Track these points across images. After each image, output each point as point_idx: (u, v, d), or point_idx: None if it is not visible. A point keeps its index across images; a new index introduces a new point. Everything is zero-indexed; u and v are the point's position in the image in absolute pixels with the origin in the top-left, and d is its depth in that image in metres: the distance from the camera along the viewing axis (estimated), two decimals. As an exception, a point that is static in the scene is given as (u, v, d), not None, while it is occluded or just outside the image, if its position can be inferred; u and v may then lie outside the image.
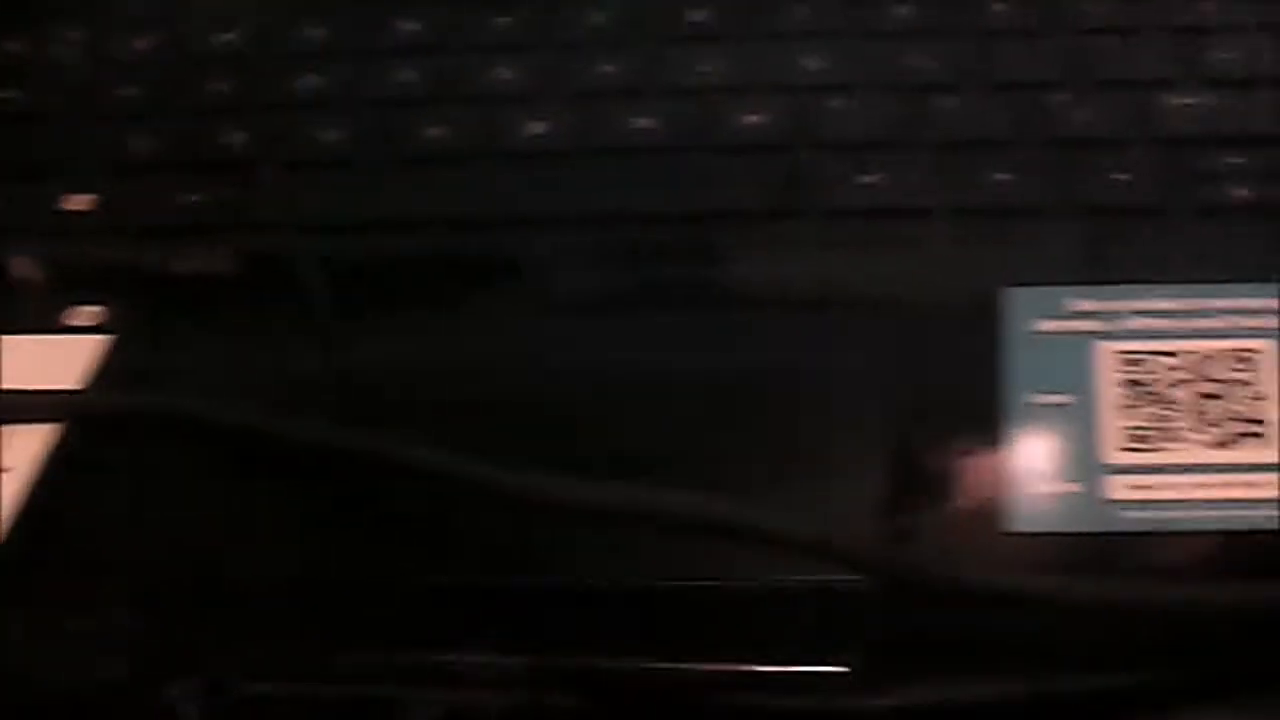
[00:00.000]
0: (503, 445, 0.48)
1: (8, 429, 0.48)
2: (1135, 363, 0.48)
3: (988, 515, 0.46)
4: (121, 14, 0.62)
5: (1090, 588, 0.43)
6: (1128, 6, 0.58)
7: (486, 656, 0.44)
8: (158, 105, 0.59)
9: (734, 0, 0.59)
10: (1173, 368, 0.48)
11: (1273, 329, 0.49)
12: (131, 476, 0.48)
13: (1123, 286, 0.50)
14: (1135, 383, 0.48)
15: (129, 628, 0.46)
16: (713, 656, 0.45)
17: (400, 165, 0.58)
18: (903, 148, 0.55)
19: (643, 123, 0.57)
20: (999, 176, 0.53)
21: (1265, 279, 0.50)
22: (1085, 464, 0.46)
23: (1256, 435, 0.47)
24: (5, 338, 0.51)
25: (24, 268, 0.54)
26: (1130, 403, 0.47)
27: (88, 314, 0.53)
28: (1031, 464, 0.47)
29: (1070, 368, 0.48)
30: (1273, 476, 0.46)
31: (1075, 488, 0.46)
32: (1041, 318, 0.50)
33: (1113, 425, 0.47)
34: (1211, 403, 0.47)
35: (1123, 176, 0.53)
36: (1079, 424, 0.47)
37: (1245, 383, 0.47)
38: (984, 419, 0.48)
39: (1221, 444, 0.46)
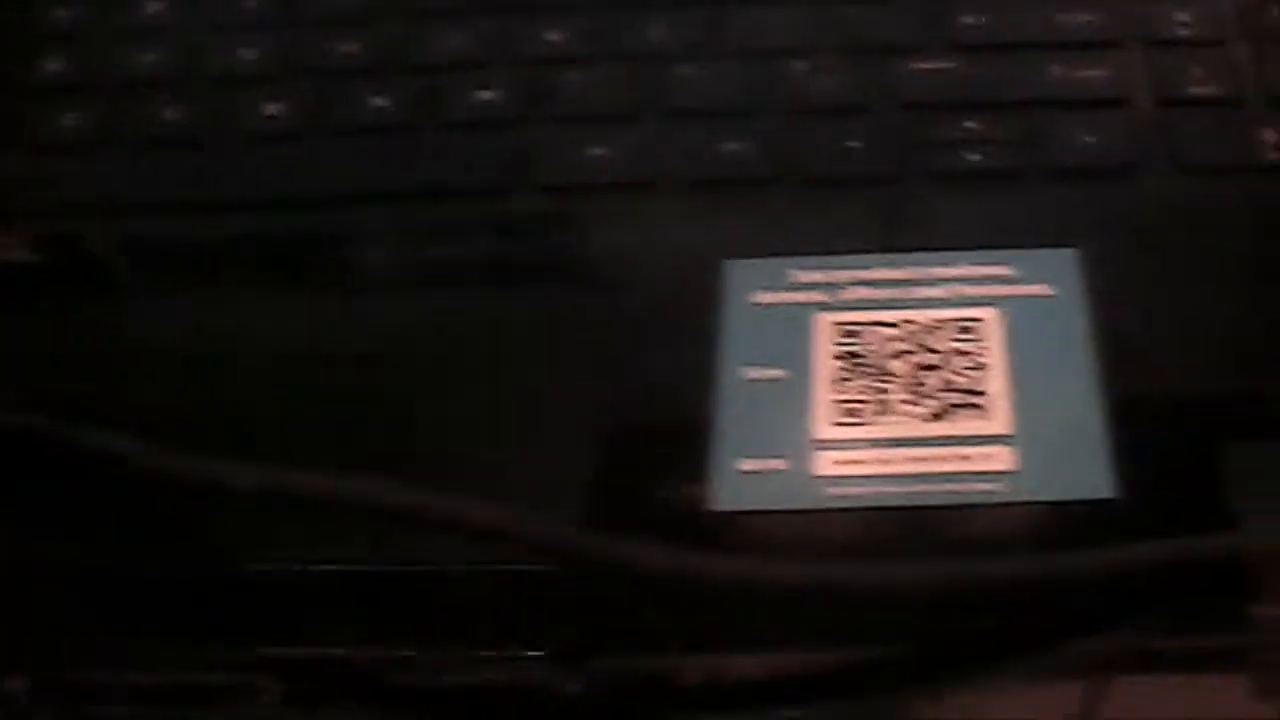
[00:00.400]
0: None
1: None
2: (853, 334, 0.46)
3: (692, 494, 0.43)
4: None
5: (779, 568, 0.40)
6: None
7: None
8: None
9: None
10: (891, 339, 0.46)
11: (998, 297, 0.46)
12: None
13: (846, 256, 0.48)
14: (852, 355, 0.45)
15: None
16: (409, 641, 0.42)
17: (143, 148, 0.56)
18: (636, 119, 0.51)
19: (378, 101, 0.53)
20: (731, 146, 0.50)
21: (995, 246, 0.47)
22: (795, 439, 0.44)
23: (975, 407, 0.44)
24: None
25: None
26: (846, 376, 0.45)
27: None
28: (739, 440, 0.44)
29: (788, 341, 0.46)
30: (990, 449, 0.43)
31: (782, 464, 0.43)
32: (762, 290, 0.47)
33: (826, 399, 0.45)
34: (930, 374, 0.45)
35: (855, 144, 0.49)
36: (792, 398, 0.45)
37: (966, 353, 0.45)
38: (696, 395, 0.45)
39: (937, 416, 0.44)
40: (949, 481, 0.43)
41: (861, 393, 0.45)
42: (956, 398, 0.45)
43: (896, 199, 0.50)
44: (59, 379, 0.48)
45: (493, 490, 0.44)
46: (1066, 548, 0.42)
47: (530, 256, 0.50)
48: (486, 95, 0.53)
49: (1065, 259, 0.47)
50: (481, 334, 0.48)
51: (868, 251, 0.48)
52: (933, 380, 0.45)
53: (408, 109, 0.54)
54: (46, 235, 0.52)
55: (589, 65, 0.54)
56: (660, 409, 0.46)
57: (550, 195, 0.52)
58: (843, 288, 0.47)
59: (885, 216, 0.49)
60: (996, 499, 0.43)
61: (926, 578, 0.41)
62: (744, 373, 0.46)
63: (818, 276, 0.48)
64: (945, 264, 0.48)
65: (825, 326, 0.46)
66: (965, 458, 0.44)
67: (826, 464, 0.44)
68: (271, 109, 0.54)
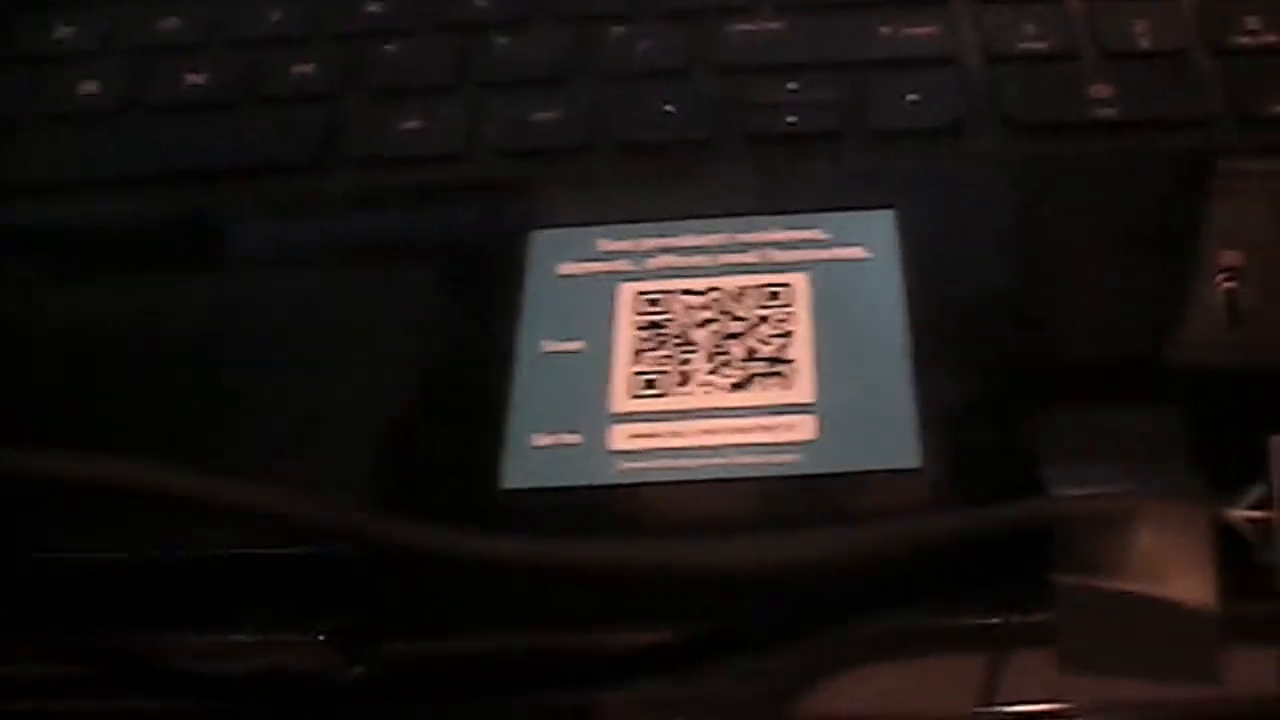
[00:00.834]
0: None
1: None
2: (657, 304, 0.44)
3: (484, 471, 0.40)
4: None
5: (553, 547, 0.38)
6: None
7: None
8: None
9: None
10: (696, 307, 0.43)
11: (809, 262, 0.44)
12: None
13: (655, 224, 0.45)
14: (655, 325, 0.43)
15: None
16: (186, 627, 0.41)
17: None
18: (452, 91, 0.49)
19: (194, 78, 0.51)
20: (546, 115, 0.48)
21: (812, 210, 0.44)
22: (591, 413, 0.42)
23: (779, 375, 0.42)
24: None
25: None
26: (647, 346, 0.43)
27: None
28: (534, 415, 0.41)
29: (590, 312, 0.44)
30: (792, 419, 0.41)
31: (576, 439, 0.41)
32: (567, 260, 0.45)
33: (625, 371, 0.42)
34: (734, 343, 0.42)
35: (671, 109, 0.47)
36: (591, 371, 0.43)
37: (772, 320, 0.42)
38: (495, 370, 0.42)
39: (739, 386, 0.41)
40: (748, 453, 0.41)
41: (662, 363, 0.43)
42: (760, 367, 0.42)
43: (712, 164, 0.47)
44: None
45: (285, 472, 0.42)
46: (867, 519, 0.39)
47: (339, 233, 0.48)
48: (303, 69, 0.50)
49: (881, 221, 0.45)
50: (283, 313, 0.45)
51: (681, 219, 0.45)
52: (737, 349, 0.43)
53: (224, 85, 0.51)
54: None
55: (409, 37, 0.51)
56: (459, 385, 0.44)
57: (363, 169, 0.48)
58: (650, 256, 0.45)
59: (699, 182, 0.47)
60: (795, 470, 0.40)
61: (708, 556, 0.38)
62: (543, 345, 0.43)
63: (624, 245, 0.45)
64: (756, 229, 0.45)
65: (629, 296, 0.44)
66: (766, 428, 0.41)
67: (621, 438, 0.42)
68: (87, 87, 0.52)
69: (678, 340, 0.43)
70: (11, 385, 0.45)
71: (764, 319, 0.43)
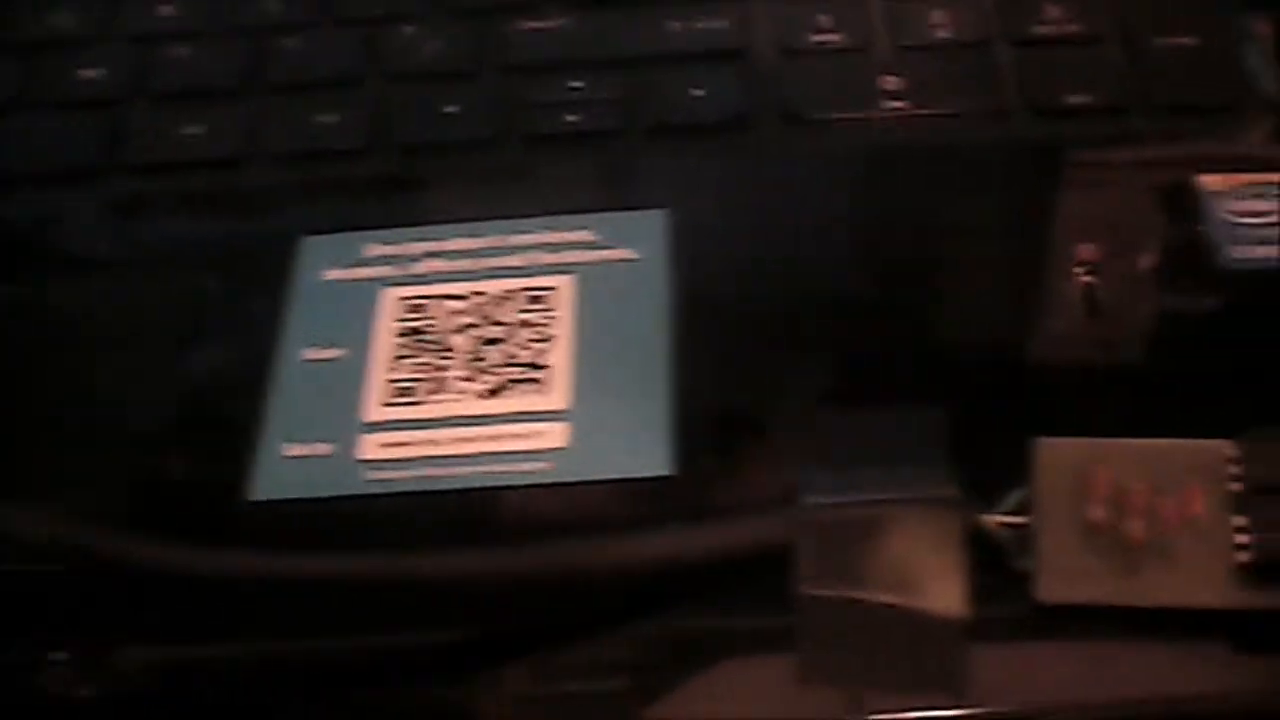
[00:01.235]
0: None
1: None
2: (418, 310, 0.42)
3: (234, 483, 0.38)
4: None
5: (284, 561, 0.36)
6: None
7: None
8: None
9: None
10: (457, 312, 0.42)
11: (576, 264, 0.42)
12: None
13: (424, 228, 0.43)
14: (415, 331, 0.41)
15: None
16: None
17: None
18: (237, 95, 0.47)
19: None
20: (329, 118, 0.46)
21: (586, 210, 0.43)
22: (343, 422, 0.40)
23: (535, 381, 0.40)
24: None
25: None
26: (405, 353, 0.41)
27: None
28: (287, 425, 0.39)
29: (352, 319, 0.42)
30: (543, 426, 0.39)
31: (327, 449, 0.39)
32: (333, 266, 0.43)
33: (381, 379, 0.40)
34: (492, 348, 0.41)
35: (453, 109, 0.45)
36: (347, 379, 0.41)
37: (533, 324, 0.41)
38: (254, 379, 0.40)
39: (494, 392, 0.40)
40: (496, 462, 0.39)
41: (418, 370, 0.41)
42: (516, 372, 0.40)
43: (490, 164, 0.45)
44: None
45: (32, 486, 0.41)
46: (614, 530, 0.38)
47: (110, 241, 0.46)
48: (90, 74, 0.48)
49: (652, 221, 0.43)
50: (42, 321, 0.44)
51: (452, 222, 0.43)
52: (494, 355, 0.41)
53: (7, 88, 0.49)
54: None
55: (195, 40, 0.49)
56: (217, 395, 0.42)
57: (142, 175, 0.46)
58: (416, 261, 0.43)
59: (475, 185, 0.45)
60: (544, 479, 0.38)
61: (444, 568, 0.37)
62: (303, 353, 0.41)
63: (391, 250, 0.44)
64: (525, 231, 0.43)
65: (391, 302, 0.42)
66: (518, 436, 0.40)
67: (372, 447, 0.40)
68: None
69: (436, 347, 0.41)
70: None
71: (525, 324, 0.41)
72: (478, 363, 0.41)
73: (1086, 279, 0.41)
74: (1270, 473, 0.37)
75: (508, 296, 0.42)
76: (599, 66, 0.47)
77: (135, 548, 0.37)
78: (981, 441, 0.38)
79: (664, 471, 0.39)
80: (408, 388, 0.41)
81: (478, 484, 0.39)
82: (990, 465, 0.38)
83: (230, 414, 0.41)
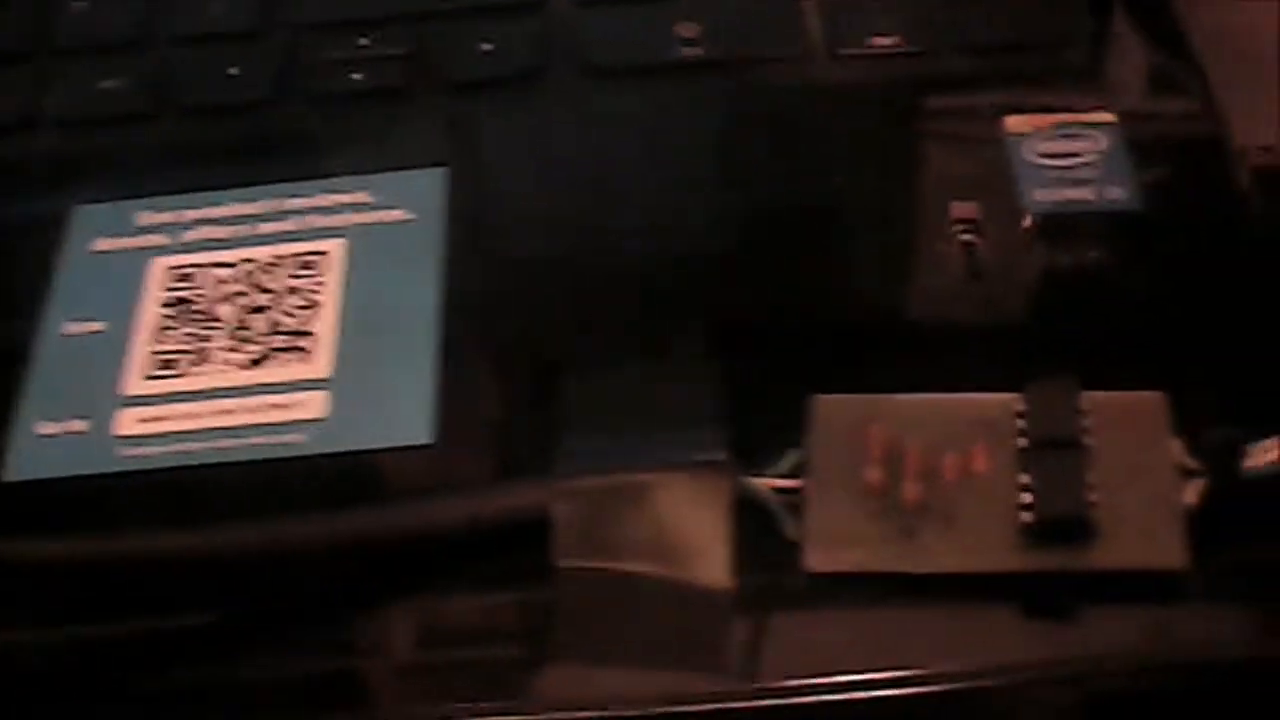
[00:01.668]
0: None
1: None
2: (186, 279, 0.39)
3: None
4: None
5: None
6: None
7: None
8: None
9: None
10: (225, 281, 0.39)
11: (349, 227, 0.39)
12: None
13: (198, 194, 0.40)
14: (182, 301, 0.38)
15: None
16: None
17: None
18: (18, 61, 0.44)
19: None
20: (111, 83, 0.43)
21: (362, 171, 0.40)
22: (101, 398, 0.37)
23: (299, 350, 0.37)
24: None
25: None
26: (170, 324, 0.38)
27: None
28: (44, 402, 0.36)
29: (118, 290, 0.39)
30: (304, 396, 0.36)
31: (83, 425, 0.36)
32: (104, 236, 0.40)
33: (144, 352, 0.37)
34: (258, 317, 0.38)
35: (235, 71, 0.42)
36: (109, 353, 0.38)
37: (301, 291, 0.38)
38: (14, 355, 0.38)
39: (256, 363, 0.37)
40: (255, 434, 0.37)
41: (182, 342, 0.38)
42: (281, 341, 0.38)
43: (273, 125, 0.42)
44: None
45: None
46: (370, 501, 0.36)
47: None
48: None
49: (430, 181, 0.40)
50: None
51: (230, 187, 0.40)
52: (260, 324, 0.38)
53: None
54: None
55: None
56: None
57: None
58: (188, 229, 0.40)
59: (258, 145, 0.42)
60: (300, 451, 0.36)
61: (192, 545, 0.35)
62: (66, 327, 0.38)
63: (164, 218, 0.41)
64: (301, 195, 0.40)
65: (159, 272, 0.39)
66: (278, 407, 0.37)
67: (129, 423, 0.38)
68: None
69: (202, 317, 0.39)
70: None
71: (293, 290, 0.38)
72: (243, 332, 0.38)
73: (965, 238, 0.39)
74: (1054, 426, 0.34)
75: (277, 263, 0.39)
76: (387, 22, 0.44)
77: None
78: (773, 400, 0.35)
79: (425, 440, 0.36)
80: (170, 360, 0.38)
81: (234, 458, 0.36)
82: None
83: (-8, 392, 0.38)
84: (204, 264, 0.40)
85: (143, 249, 0.41)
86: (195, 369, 0.38)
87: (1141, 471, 0.35)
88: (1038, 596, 0.34)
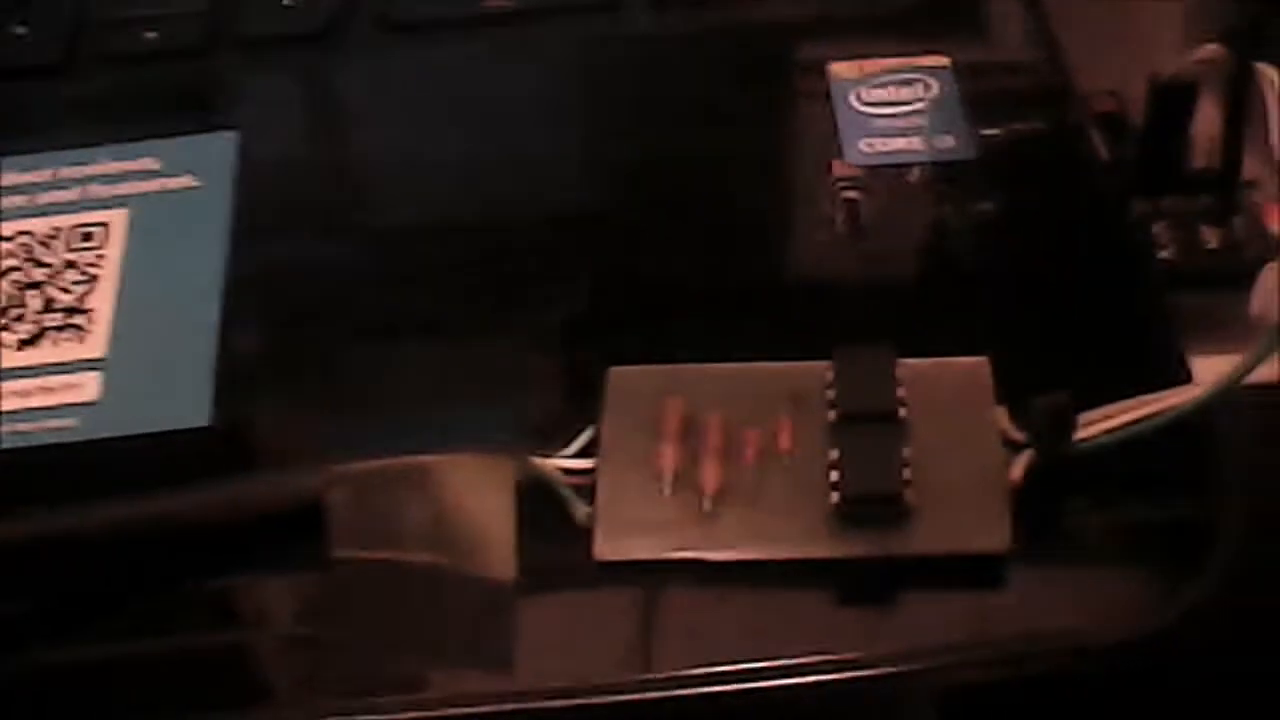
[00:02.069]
0: None
1: None
2: (-44, 253, 0.35)
3: None
4: None
5: None
6: None
7: None
8: None
9: None
10: (1, 255, 0.34)
11: (133, 195, 0.35)
12: None
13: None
14: (-42, 277, 0.34)
15: None
16: None
17: None
18: None
19: None
20: None
21: (151, 136, 0.36)
22: None
23: (75, 328, 0.34)
24: None
25: None
26: (-60, 304, 0.34)
27: None
28: None
29: (-116, 268, 0.35)
30: (78, 377, 0.33)
31: None
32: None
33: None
34: (33, 293, 0.34)
35: (23, 30, 0.38)
36: None
37: (79, 265, 0.34)
38: None
39: (28, 342, 0.33)
40: (24, 420, 0.33)
41: (-45, 322, 0.34)
42: (56, 319, 0.35)
43: (59, 89, 0.38)
44: None
45: None
46: (142, 488, 0.32)
47: None
48: None
49: (220, 145, 0.36)
50: None
51: (14, 154, 0.37)
52: (34, 301, 0.35)
53: None
54: None
55: None
56: None
57: None
58: (-39, 201, 0.36)
59: (43, 110, 0.38)
60: (70, 437, 0.34)
61: None
62: None
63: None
64: (81, 162, 0.36)
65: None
66: (48, 390, 0.34)
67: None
68: None
69: (-25, 295, 0.34)
70: None
71: (71, 264, 0.35)
72: (17, 310, 0.35)
73: (847, 194, 0.36)
74: (865, 396, 0.31)
75: (55, 235, 0.35)
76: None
77: None
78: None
79: (203, 423, 0.33)
80: (-59, 343, 0.34)
81: (13, 444, 0.33)
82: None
83: None
84: (-19, 237, 0.36)
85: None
86: (-42, 352, 0.34)
87: (963, 445, 0.32)
88: (849, 584, 0.31)
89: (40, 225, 0.37)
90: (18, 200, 0.37)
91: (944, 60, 0.37)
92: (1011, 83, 0.38)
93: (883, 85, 0.37)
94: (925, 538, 0.30)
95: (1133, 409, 0.31)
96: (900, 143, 0.36)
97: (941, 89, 0.36)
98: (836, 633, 0.30)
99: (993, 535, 0.31)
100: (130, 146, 0.38)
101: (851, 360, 0.32)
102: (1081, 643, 0.30)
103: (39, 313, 0.35)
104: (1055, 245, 0.35)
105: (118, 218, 0.36)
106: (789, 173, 0.37)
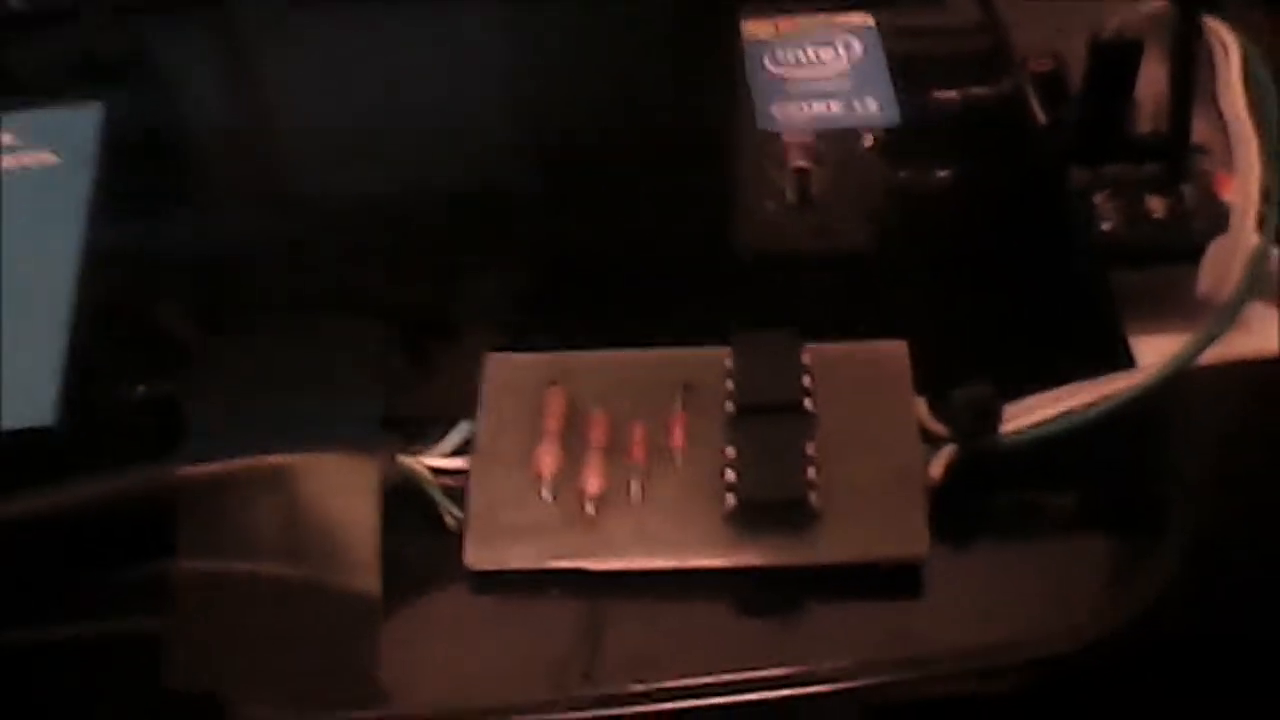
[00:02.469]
0: None
1: None
2: None
3: None
4: None
5: None
6: None
7: None
8: None
9: None
10: None
11: None
12: None
13: None
14: None
15: None
16: None
17: None
18: None
19: None
20: None
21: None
22: None
23: None
24: None
25: None
26: None
27: None
28: None
29: None
30: None
31: None
32: None
33: None
34: None
35: None
36: None
37: None
38: None
39: None
40: None
41: None
42: None
43: None
44: None
45: None
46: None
47: None
48: None
49: (83, 118, 0.33)
50: None
51: None
52: None
53: None
54: None
55: None
56: None
57: None
58: None
59: None
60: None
61: None
62: None
63: None
64: None
65: None
66: None
67: None
68: None
69: None
70: None
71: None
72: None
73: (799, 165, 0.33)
74: (767, 386, 0.27)
75: None
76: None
77: None
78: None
79: (47, 422, 0.31)
80: None
81: None
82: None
83: None
84: None
85: None
86: None
87: (876, 440, 0.29)
88: (747, 596, 0.28)
89: None
90: None
91: (868, 19, 0.33)
92: (941, 42, 0.34)
93: (800, 46, 0.33)
94: (833, 544, 0.28)
95: (1067, 398, 0.28)
96: (818, 108, 0.32)
97: (865, 50, 0.33)
98: (733, 650, 0.27)
99: (909, 541, 0.28)
100: (-11, 117, 0.34)
101: (752, 346, 0.28)
102: (1003, 661, 0.26)
103: None
104: (986, 217, 0.32)
105: None
106: (700, 140, 0.33)
